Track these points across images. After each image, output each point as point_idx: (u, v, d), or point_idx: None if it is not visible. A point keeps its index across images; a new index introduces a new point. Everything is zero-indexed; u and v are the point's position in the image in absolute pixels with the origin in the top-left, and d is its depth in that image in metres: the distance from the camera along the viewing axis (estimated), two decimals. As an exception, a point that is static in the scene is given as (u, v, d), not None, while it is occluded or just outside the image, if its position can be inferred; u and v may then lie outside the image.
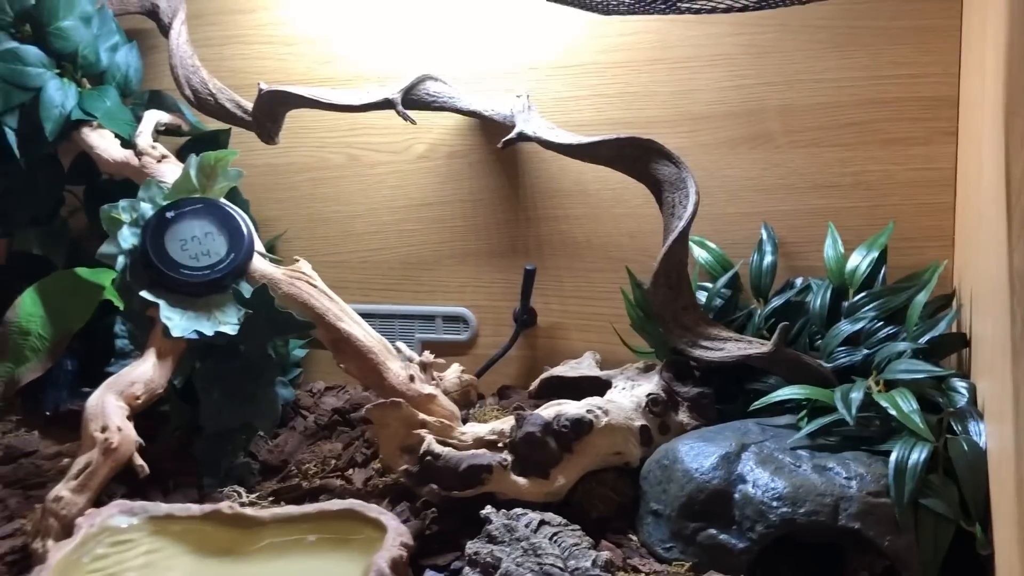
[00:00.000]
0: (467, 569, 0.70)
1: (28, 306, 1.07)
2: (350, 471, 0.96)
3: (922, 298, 0.84)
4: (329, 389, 1.17)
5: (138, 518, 0.76)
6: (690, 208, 0.88)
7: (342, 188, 1.19)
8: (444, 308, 1.16)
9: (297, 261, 0.96)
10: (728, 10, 0.72)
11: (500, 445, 0.83)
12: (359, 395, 1.14)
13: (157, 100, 1.16)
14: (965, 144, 0.91)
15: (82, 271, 1.09)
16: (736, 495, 0.73)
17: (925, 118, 0.96)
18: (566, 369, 1.04)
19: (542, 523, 0.73)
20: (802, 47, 0.98)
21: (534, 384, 1.03)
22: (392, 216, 1.17)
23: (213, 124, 1.16)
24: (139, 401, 0.85)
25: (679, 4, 0.72)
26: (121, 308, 1.13)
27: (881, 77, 0.96)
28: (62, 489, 0.79)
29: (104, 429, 0.81)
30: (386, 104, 1.02)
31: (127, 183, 1.12)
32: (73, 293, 1.08)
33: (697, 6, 0.70)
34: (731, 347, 0.88)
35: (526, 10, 1.07)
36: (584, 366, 1.04)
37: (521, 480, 0.80)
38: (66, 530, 0.76)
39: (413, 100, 1.03)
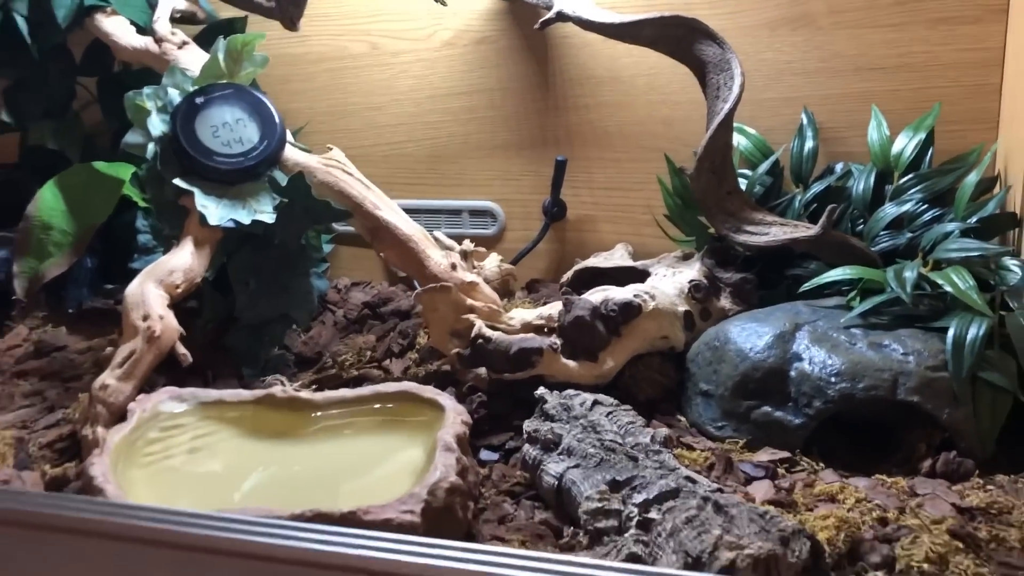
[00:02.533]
0: (527, 446, 0.70)
1: (49, 200, 1.04)
2: (387, 361, 0.96)
3: (973, 178, 0.83)
4: (355, 284, 1.17)
5: (188, 404, 0.75)
6: (735, 90, 0.86)
7: (363, 78, 1.15)
8: (471, 202, 1.15)
9: (331, 149, 0.93)
10: None
11: (547, 330, 0.83)
12: (386, 290, 1.14)
13: (170, -15, 1.12)
14: (1016, 22, 0.89)
15: (100, 165, 1.06)
16: (792, 373, 0.73)
17: (971, -6, 0.93)
18: (599, 260, 1.03)
19: (595, 403, 0.73)
20: (846, -79, 0.95)
21: (567, 275, 1.02)
22: (416, 107, 1.14)
23: (227, 12, 1.12)
24: (179, 290, 0.83)
25: None
26: (140, 204, 1.11)
27: (928, -48, 0.93)
28: (108, 377, 0.78)
29: (146, 317, 0.80)
30: (416, -15, 0.98)
31: (143, 73, 1.09)
32: (94, 187, 1.05)
33: None
34: (776, 231, 0.87)
35: None
36: (617, 257, 1.04)
37: (570, 363, 0.80)
38: (114, 416, 0.76)
39: (442, -19, 1.00)
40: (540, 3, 0.98)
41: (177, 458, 0.71)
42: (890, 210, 0.87)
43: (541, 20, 0.94)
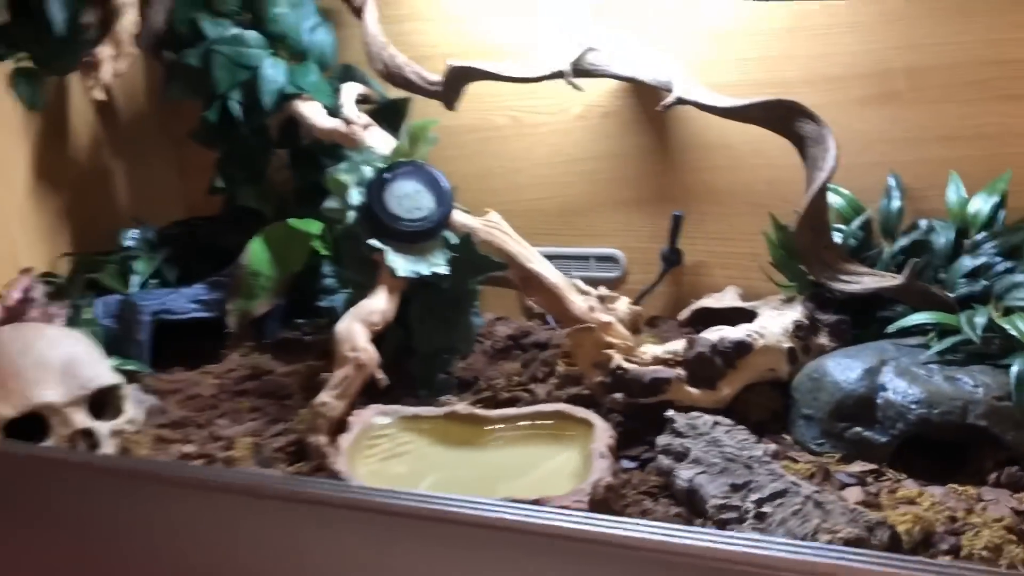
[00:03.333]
0: (660, 456, 0.88)
1: (257, 251, 1.27)
2: (532, 386, 1.15)
3: (1039, 236, 0.98)
4: (498, 319, 1.36)
5: (391, 418, 0.96)
6: (830, 162, 1.03)
7: (506, 146, 1.36)
8: (597, 249, 1.34)
9: (488, 212, 1.14)
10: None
11: (672, 363, 1.01)
12: (525, 325, 1.33)
13: (349, 73, 1.34)
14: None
15: (295, 222, 1.29)
16: (879, 400, 0.89)
17: (1042, 76, 1.08)
18: (712, 301, 1.21)
19: (716, 423, 0.91)
20: (926, 14, 1.10)
21: (685, 313, 1.20)
22: (551, 170, 1.34)
23: (394, 92, 1.35)
24: (376, 327, 1.04)
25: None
26: (325, 254, 1.34)
27: (999, 40, 1.08)
28: (326, 396, 0.99)
29: (354, 349, 1.01)
30: (557, 75, 1.18)
31: (326, 147, 1.32)
32: (291, 240, 1.28)
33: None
34: (867, 280, 1.03)
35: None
36: (727, 299, 1.21)
37: (693, 390, 0.97)
38: (331, 427, 0.97)
39: (579, 70, 1.19)
40: (660, 86, 1.17)
41: (386, 460, 0.92)
42: (967, 262, 1.02)
43: (663, 103, 1.12)
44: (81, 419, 0.98)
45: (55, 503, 0.83)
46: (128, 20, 1.12)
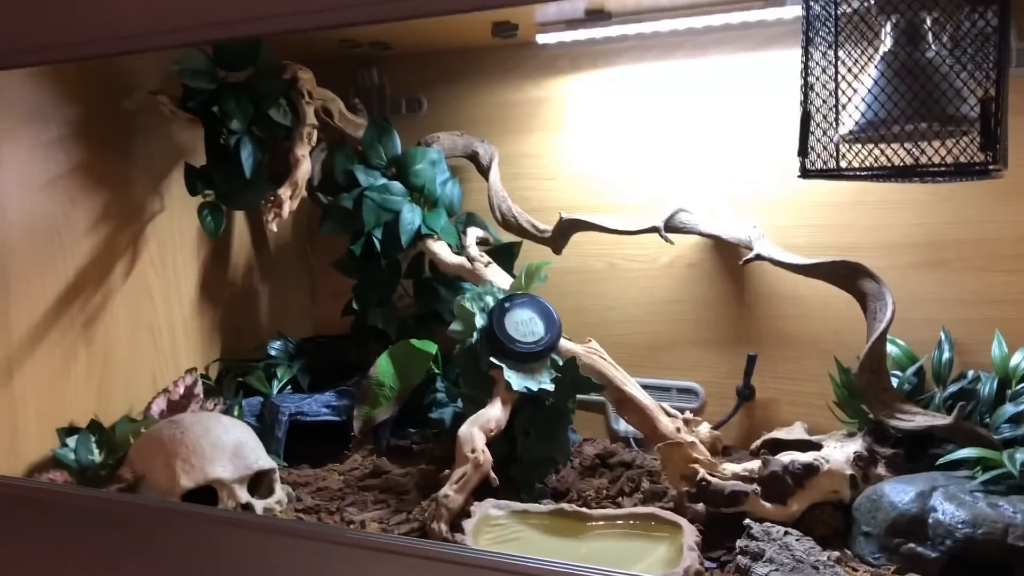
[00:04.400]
0: (739, 556, 1.03)
1: (383, 365, 1.47)
2: (619, 498, 1.30)
3: (1071, 389, 1.13)
4: (586, 440, 1.53)
5: (503, 511, 1.13)
6: (888, 315, 1.20)
7: (601, 287, 1.56)
8: (678, 382, 1.51)
9: (590, 341, 1.33)
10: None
11: (748, 479, 1.16)
12: (610, 446, 1.49)
13: (471, 219, 1.58)
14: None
15: (415, 342, 1.50)
16: (930, 520, 1.03)
17: (1076, 251, 1.25)
18: (781, 433, 1.36)
19: (787, 532, 1.05)
20: (974, 196, 1.29)
21: (757, 443, 1.35)
22: (640, 309, 1.53)
23: (506, 237, 1.57)
24: (492, 433, 1.22)
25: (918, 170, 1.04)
26: (436, 372, 1.53)
27: (1037, 220, 1.27)
28: (447, 490, 1.16)
29: (473, 451, 1.19)
30: (652, 230, 1.40)
31: (444, 279, 1.54)
32: (412, 358, 1.48)
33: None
34: (920, 419, 1.19)
35: (757, 156, 1.44)
36: (795, 432, 1.36)
37: (767, 504, 1.12)
38: (452, 517, 1.14)
39: (670, 226, 1.40)
40: (741, 243, 1.37)
41: (499, 545, 1.08)
42: (1009, 409, 1.17)
43: (745, 259, 1.32)
44: (243, 494, 1.17)
45: (223, 554, 1.01)
46: (303, 169, 1.37)
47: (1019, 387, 1.19)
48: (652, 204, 1.47)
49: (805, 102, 0.97)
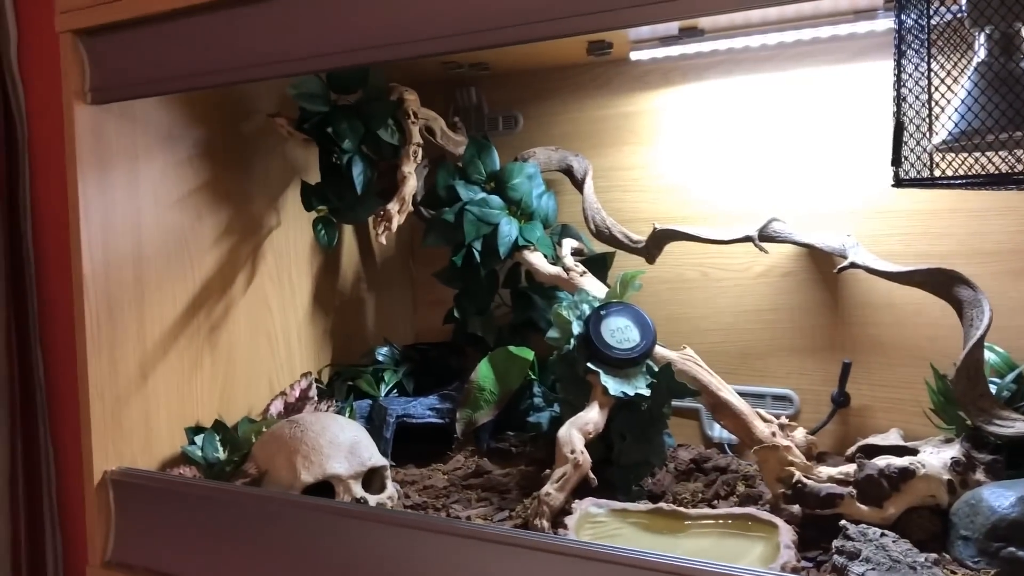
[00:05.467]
0: (836, 556, 1.05)
1: (484, 370, 1.54)
2: (715, 501, 1.34)
3: None
4: (680, 446, 1.56)
5: (603, 509, 1.18)
6: (985, 322, 1.21)
7: (693, 296, 1.60)
8: (772, 389, 1.53)
9: (685, 347, 1.37)
10: None
11: (844, 482, 1.18)
12: (705, 452, 1.52)
13: (566, 231, 1.63)
14: None
15: (514, 348, 1.56)
16: (1030, 524, 1.04)
17: None
18: (877, 439, 1.37)
19: (883, 534, 1.07)
20: (1073, 203, 1.30)
21: (852, 448, 1.37)
22: (733, 318, 1.57)
23: (600, 248, 1.62)
24: (590, 435, 1.27)
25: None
26: (533, 378, 1.59)
27: None
28: (549, 488, 1.21)
29: (572, 451, 1.24)
30: (745, 239, 1.43)
31: (540, 289, 1.60)
32: (511, 363, 1.55)
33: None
34: (1020, 426, 1.19)
35: (848, 166, 1.46)
36: (891, 438, 1.37)
37: (863, 507, 1.14)
38: (552, 514, 1.19)
39: (764, 236, 1.43)
40: (834, 252, 1.39)
41: (605, 540, 1.13)
42: (1111, 415, 1.16)
43: (839, 267, 1.34)
44: (358, 489, 1.24)
45: (341, 543, 1.09)
46: (410, 185, 1.45)
47: (1123, 393, 1.18)
48: (744, 215, 1.50)
49: (898, 112, 1.00)
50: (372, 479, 1.29)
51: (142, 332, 1.34)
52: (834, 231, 1.41)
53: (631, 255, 1.56)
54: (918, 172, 0.98)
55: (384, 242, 1.42)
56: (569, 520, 1.13)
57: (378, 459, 1.28)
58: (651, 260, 1.52)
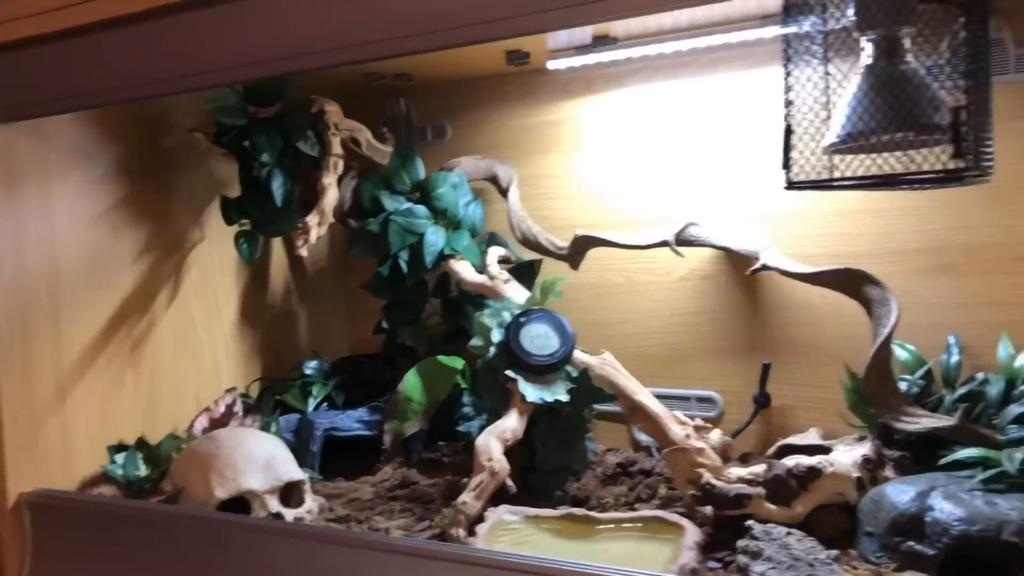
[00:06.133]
0: (740, 555, 1.07)
1: (411, 381, 1.55)
2: (636, 505, 1.35)
3: (1073, 388, 1.14)
4: (608, 450, 1.57)
5: (518, 516, 1.18)
6: (892, 320, 1.23)
7: (619, 301, 1.61)
8: (697, 391, 1.55)
9: (604, 352, 1.38)
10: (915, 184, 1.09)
11: (756, 483, 1.19)
12: (632, 455, 1.53)
13: (493, 239, 1.64)
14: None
15: (442, 358, 1.56)
16: (927, 518, 1.05)
17: (1079, 253, 1.26)
18: (796, 439, 1.38)
19: (789, 533, 1.08)
20: (976, 201, 1.31)
21: (771, 450, 1.38)
22: (658, 321, 1.58)
23: (528, 255, 1.63)
24: (508, 442, 1.28)
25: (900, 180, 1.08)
26: (464, 386, 1.60)
27: (1041, 223, 1.28)
28: (465, 497, 1.22)
29: (490, 459, 1.25)
30: (663, 244, 1.44)
31: (470, 297, 1.60)
32: (439, 373, 1.55)
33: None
34: (925, 422, 1.21)
35: (762, 170, 1.48)
36: (810, 438, 1.39)
37: (771, 507, 1.15)
38: (469, 522, 1.19)
39: (681, 240, 1.45)
40: (750, 254, 1.41)
41: (512, 547, 1.13)
42: (1014, 409, 1.18)
43: (751, 268, 1.36)
44: (274, 504, 1.24)
45: (255, 558, 1.09)
46: (331, 197, 1.45)
47: (1023, 388, 1.20)
48: (666, 219, 1.52)
49: (787, 116, 1.01)
50: (291, 493, 1.29)
51: (59, 351, 1.33)
52: (750, 234, 1.42)
53: (559, 262, 1.57)
54: (818, 174, 1.00)
55: (305, 254, 1.42)
56: (480, 528, 1.13)
57: (296, 473, 1.28)
58: (575, 266, 1.53)
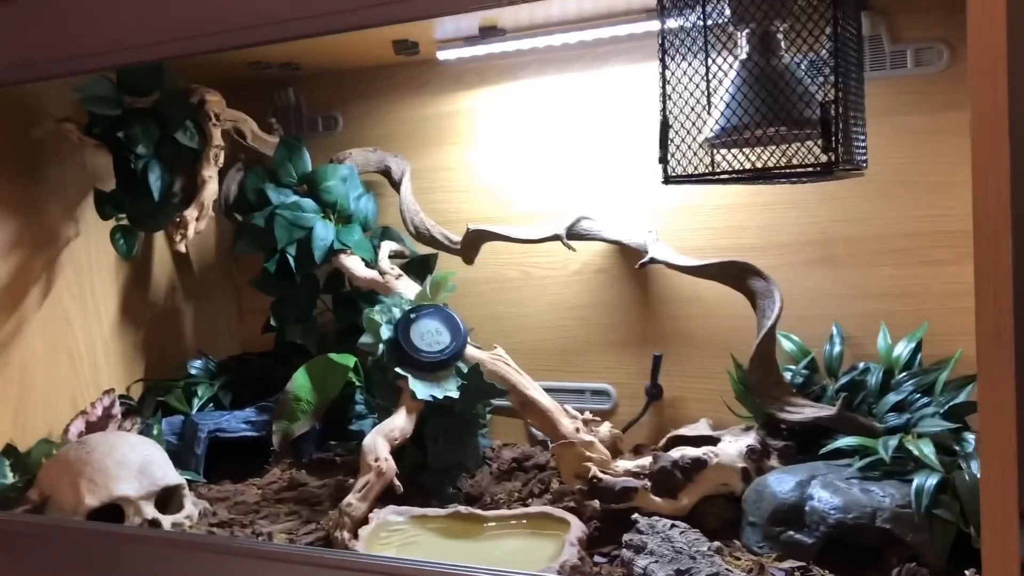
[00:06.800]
0: (624, 550, 1.06)
1: (300, 380, 1.50)
2: (529, 500, 1.33)
3: (943, 377, 1.17)
4: (505, 445, 1.55)
5: (404, 516, 1.16)
6: (776, 311, 1.24)
7: (515, 295, 1.60)
8: (591, 384, 1.55)
9: (495, 347, 1.36)
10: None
11: (642, 475, 1.20)
12: (529, 450, 1.52)
13: (386, 233, 1.61)
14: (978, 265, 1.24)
15: (334, 356, 1.52)
16: (807, 507, 1.07)
17: (952, 246, 1.30)
18: (687, 430, 1.39)
19: (673, 525, 1.09)
20: (858, 195, 1.34)
21: (662, 442, 1.39)
22: (553, 315, 1.57)
23: (423, 250, 1.60)
24: (396, 441, 1.25)
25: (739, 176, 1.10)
26: (357, 384, 1.56)
27: (919, 216, 1.31)
28: (351, 498, 1.19)
29: (376, 459, 1.22)
30: (554, 238, 1.43)
31: (363, 293, 1.57)
32: (330, 371, 1.51)
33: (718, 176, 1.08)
34: (808, 411, 1.23)
35: (653, 164, 1.48)
36: (700, 428, 1.40)
37: (657, 499, 1.16)
38: (355, 525, 1.16)
39: (573, 234, 1.44)
40: (639, 248, 1.41)
41: (397, 549, 1.11)
42: (892, 397, 1.21)
43: (640, 262, 1.36)
44: (150, 511, 1.19)
45: (125, 569, 1.04)
46: (210, 190, 1.40)
47: (900, 376, 1.23)
48: (560, 213, 1.51)
49: (664, 111, 1.01)
50: (170, 499, 1.24)
51: (-86, 353, 1.25)
52: (639, 228, 1.43)
53: (456, 256, 1.55)
54: (684, 169, 1.00)
55: (183, 250, 1.36)
56: (363, 531, 1.10)
57: (173, 478, 1.23)
58: (468, 261, 1.51)
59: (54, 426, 1.43)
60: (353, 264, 1.50)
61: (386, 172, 1.60)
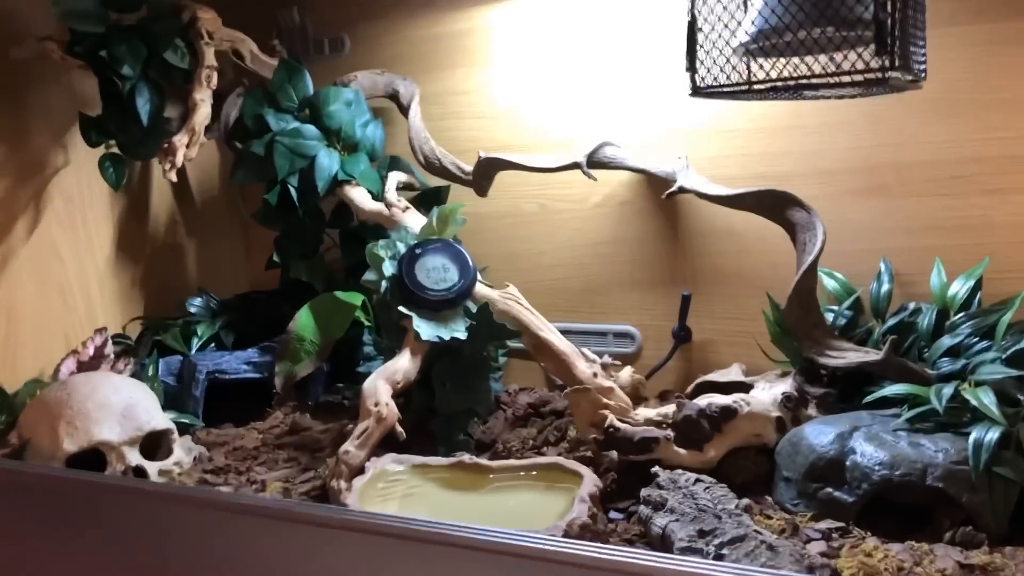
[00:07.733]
0: (642, 507, 0.96)
1: (304, 319, 1.41)
2: (544, 448, 1.24)
3: (1007, 319, 1.04)
4: (522, 390, 1.46)
5: (404, 465, 1.07)
6: (818, 245, 1.12)
7: (533, 231, 1.48)
8: (614, 326, 1.44)
9: (507, 286, 1.25)
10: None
11: (664, 425, 1.09)
12: (546, 395, 1.42)
13: (395, 163, 1.50)
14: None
15: (340, 294, 1.43)
16: (848, 462, 0.96)
17: (1019, 172, 1.16)
18: (717, 376, 1.29)
19: (698, 480, 0.98)
20: (911, 115, 1.20)
21: (690, 388, 1.28)
22: (573, 252, 1.46)
23: (435, 181, 1.49)
24: (399, 385, 1.16)
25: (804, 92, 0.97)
26: (367, 324, 1.47)
27: (977, 140, 1.17)
28: (349, 445, 1.10)
29: (376, 404, 1.12)
30: (574, 166, 1.31)
31: (372, 227, 1.46)
32: (335, 310, 1.42)
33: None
34: (851, 356, 1.11)
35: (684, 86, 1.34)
36: (732, 374, 1.29)
37: (681, 451, 1.05)
38: (352, 473, 1.08)
39: (594, 162, 1.32)
40: (667, 177, 1.28)
41: (396, 501, 1.02)
42: (946, 341, 1.09)
43: (667, 192, 1.24)
44: (134, 457, 1.11)
45: (104, 520, 0.96)
46: (202, 114, 1.29)
47: (957, 318, 1.11)
48: (581, 140, 1.38)
49: (692, 10, 0.88)
50: (157, 445, 1.16)
51: None
52: (668, 155, 1.30)
53: (469, 188, 1.43)
54: (715, 79, 0.87)
55: (174, 179, 1.27)
56: (358, 481, 1.02)
57: (160, 422, 1.15)
58: (481, 192, 1.40)
59: (46, 366, 1.36)
60: (358, 196, 1.40)
61: (394, 96, 1.49)
